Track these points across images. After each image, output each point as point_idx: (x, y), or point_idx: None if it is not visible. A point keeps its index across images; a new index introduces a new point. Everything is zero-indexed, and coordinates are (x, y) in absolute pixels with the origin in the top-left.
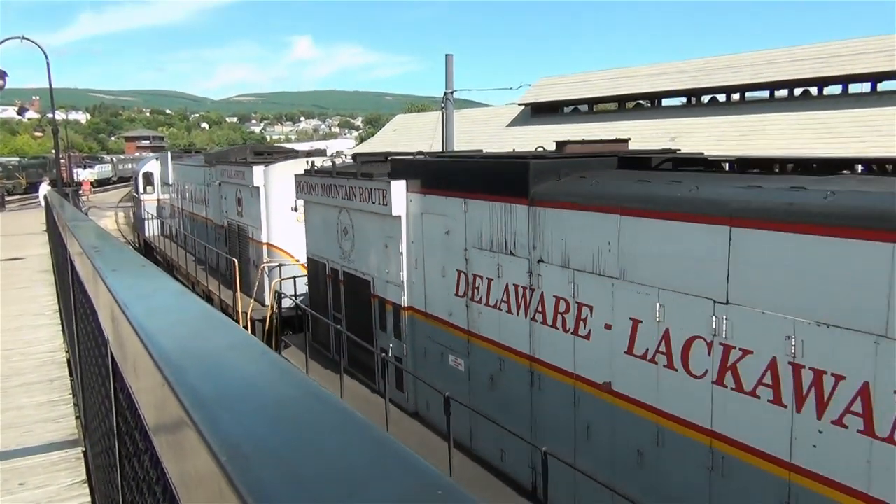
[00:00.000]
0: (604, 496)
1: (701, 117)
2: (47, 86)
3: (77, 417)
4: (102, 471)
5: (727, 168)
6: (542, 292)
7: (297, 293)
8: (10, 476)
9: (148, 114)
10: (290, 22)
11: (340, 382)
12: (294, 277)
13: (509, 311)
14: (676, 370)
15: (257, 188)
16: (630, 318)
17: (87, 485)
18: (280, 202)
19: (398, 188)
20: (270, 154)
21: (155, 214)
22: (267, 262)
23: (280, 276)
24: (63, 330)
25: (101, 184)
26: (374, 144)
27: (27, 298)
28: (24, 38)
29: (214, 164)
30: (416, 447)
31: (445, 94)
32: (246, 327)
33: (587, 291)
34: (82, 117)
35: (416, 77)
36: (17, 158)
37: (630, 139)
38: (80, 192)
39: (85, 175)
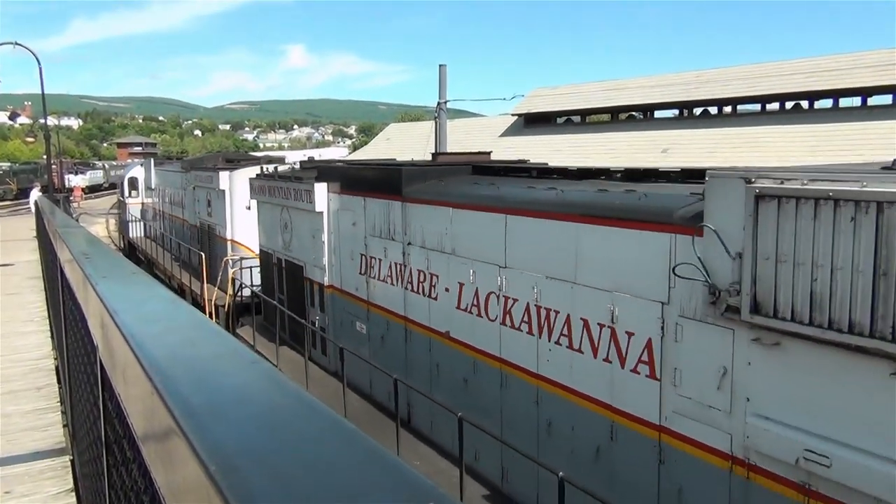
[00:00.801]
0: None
1: (693, 129)
2: (40, 91)
3: (65, 426)
4: (90, 480)
5: (552, 175)
6: (411, 267)
7: (254, 282)
8: None
9: (140, 120)
10: (284, 30)
11: (276, 351)
12: (251, 268)
13: (392, 284)
14: (482, 317)
15: (223, 191)
16: (458, 282)
17: (73, 494)
18: (242, 203)
19: (321, 189)
20: (239, 161)
21: (139, 217)
22: (230, 256)
23: (240, 267)
24: (52, 337)
25: (92, 190)
26: (367, 153)
27: (16, 305)
28: (17, 43)
29: (189, 170)
30: (331, 398)
31: (439, 103)
32: (211, 313)
33: (435, 265)
34: (74, 123)
35: (410, 86)
36: (8, 164)
37: (491, 152)
38: (72, 198)
39: (76, 181)
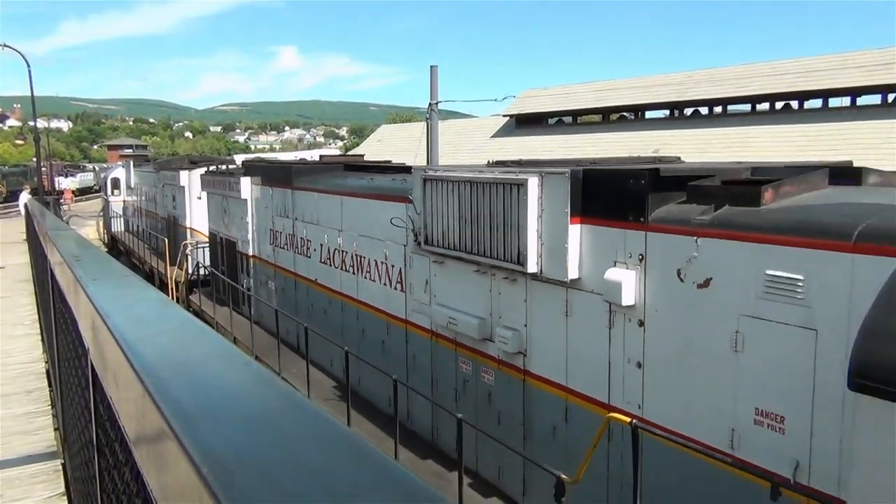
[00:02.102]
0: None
1: (684, 130)
2: (29, 93)
3: (56, 429)
4: (81, 483)
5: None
6: (297, 236)
7: (206, 260)
8: None
9: (131, 123)
10: (276, 32)
11: (214, 308)
12: (203, 248)
13: (287, 250)
14: (331, 266)
15: (183, 187)
16: (320, 244)
17: (65, 497)
18: (196, 196)
19: (245, 182)
20: (199, 163)
21: (120, 213)
22: (189, 241)
23: (193, 248)
24: (42, 340)
25: (82, 192)
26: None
27: (6, 308)
28: (5, 45)
29: (159, 171)
30: (246, 336)
31: (430, 104)
32: (172, 289)
33: (308, 233)
34: (64, 125)
35: (402, 88)
36: None
37: (364, 155)
38: (62, 200)
39: (66, 184)
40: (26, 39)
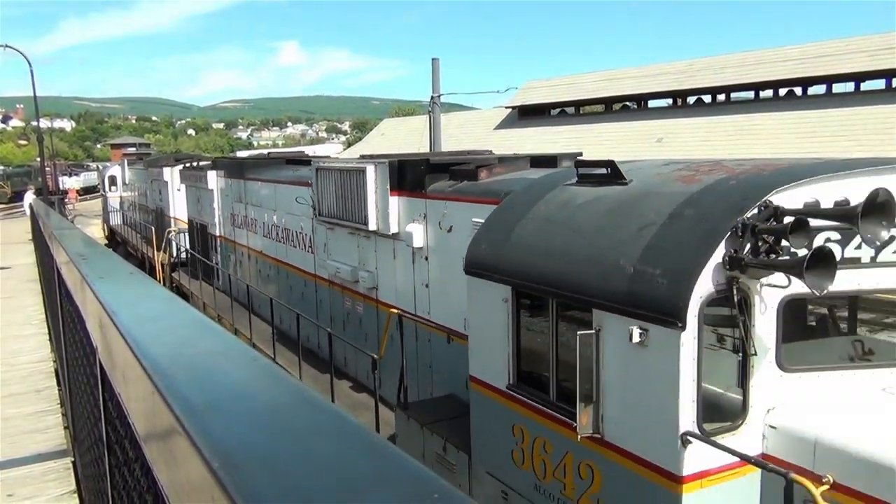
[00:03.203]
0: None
1: (687, 118)
2: (31, 94)
3: (65, 427)
4: (92, 481)
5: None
6: (248, 217)
7: (186, 244)
8: None
9: (134, 121)
10: (276, 27)
11: (189, 283)
12: (183, 234)
13: (241, 228)
14: (270, 239)
15: (167, 182)
16: (263, 222)
17: (76, 495)
18: (176, 189)
19: (212, 175)
20: (182, 160)
21: (117, 208)
22: (171, 228)
23: (175, 234)
24: (50, 339)
25: (86, 192)
26: (362, 149)
27: (13, 308)
28: (6, 46)
29: (148, 168)
30: (212, 301)
31: (432, 97)
32: (158, 270)
33: (255, 214)
34: (67, 125)
35: (404, 81)
36: (2, 167)
37: (303, 152)
38: (66, 200)
39: (70, 183)
40: (28, 39)
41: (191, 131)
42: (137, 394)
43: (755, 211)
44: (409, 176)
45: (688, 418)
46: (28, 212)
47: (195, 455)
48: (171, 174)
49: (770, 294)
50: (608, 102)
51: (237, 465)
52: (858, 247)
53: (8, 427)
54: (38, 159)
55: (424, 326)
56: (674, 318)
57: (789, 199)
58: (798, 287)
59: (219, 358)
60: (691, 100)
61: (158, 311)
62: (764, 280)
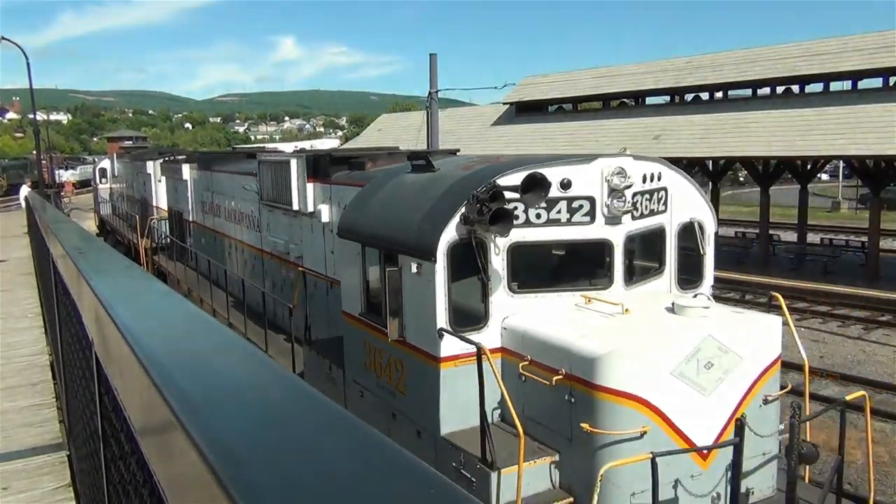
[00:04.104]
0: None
1: (685, 115)
2: (27, 86)
3: (61, 421)
4: (87, 474)
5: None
6: (214, 203)
7: (166, 231)
8: None
9: (130, 114)
10: (274, 21)
11: (165, 264)
12: (164, 221)
13: (209, 213)
14: (230, 221)
15: (150, 174)
16: (224, 207)
17: (71, 489)
18: (158, 180)
19: (186, 167)
20: (165, 154)
21: (107, 199)
22: (153, 216)
23: (156, 221)
24: (46, 333)
25: (82, 185)
26: (359, 144)
27: (9, 301)
28: (3, 38)
29: (134, 161)
30: (184, 278)
31: (430, 93)
32: (141, 254)
33: (218, 200)
34: (64, 118)
35: (401, 77)
36: None
37: (263, 146)
38: (62, 193)
39: (67, 176)
40: (24, 32)
41: (188, 125)
42: (134, 388)
43: (483, 188)
44: (320, 167)
45: (442, 320)
46: (24, 205)
47: (193, 450)
48: (154, 167)
49: (501, 242)
50: (606, 99)
51: (235, 460)
52: (559, 211)
53: (3, 420)
54: (35, 152)
55: (329, 282)
56: (431, 256)
57: (511, 180)
58: (517, 237)
59: (216, 353)
60: (689, 97)
61: (155, 306)
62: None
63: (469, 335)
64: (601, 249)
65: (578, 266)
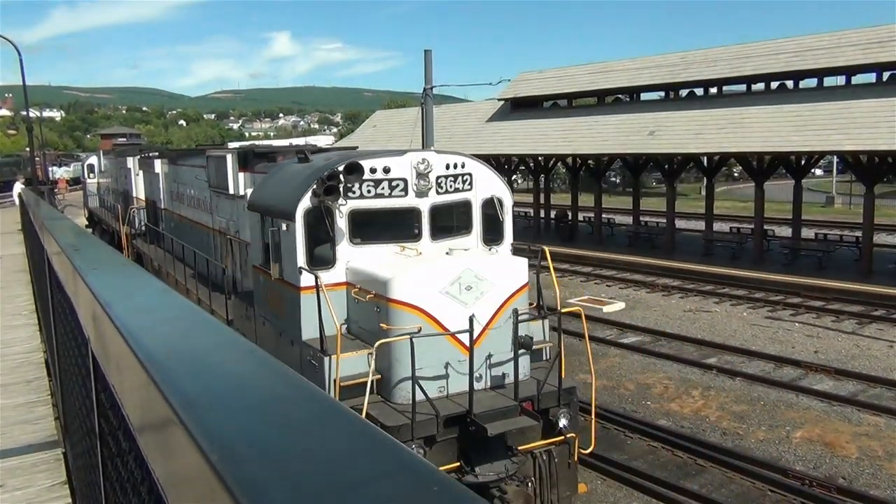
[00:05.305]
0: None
1: (679, 111)
2: (20, 83)
3: (56, 418)
4: (84, 472)
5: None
6: (179, 192)
7: (144, 219)
8: None
9: (124, 111)
10: (268, 17)
11: (142, 247)
12: (143, 210)
13: (177, 201)
14: (193, 208)
15: (130, 169)
16: (185, 195)
17: (67, 486)
18: (135, 174)
19: (158, 162)
20: (145, 151)
21: (95, 192)
22: (133, 206)
23: (136, 210)
24: (40, 330)
25: (76, 182)
26: (354, 141)
27: (3, 299)
28: None
29: (117, 157)
30: (158, 258)
31: (425, 89)
32: (121, 240)
33: (181, 189)
34: (57, 115)
35: (396, 73)
36: None
37: (226, 142)
38: (56, 190)
39: (60, 173)
40: (17, 28)
41: (182, 122)
42: (132, 385)
43: (326, 172)
44: (247, 160)
45: (301, 262)
46: (17, 202)
47: (193, 447)
48: (134, 162)
49: (343, 208)
50: (601, 95)
51: (236, 457)
52: (383, 188)
53: None
54: (28, 149)
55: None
56: (291, 219)
57: (341, 167)
58: (354, 206)
59: (215, 350)
60: (684, 92)
61: (152, 303)
62: (340, 201)
63: (322, 273)
64: (413, 214)
65: (398, 226)
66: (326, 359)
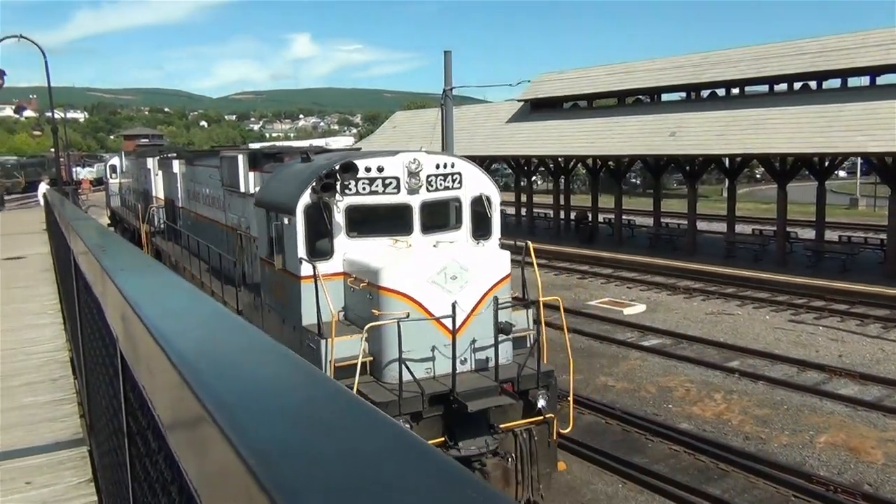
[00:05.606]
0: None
1: (701, 112)
2: (45, 84)
3: (81, 416)
4: (110, 470)
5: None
6: (195, 191)
7: (163, 217)
8: (16, 475)
9: (147, 112)
10: (289, 19)
11: (161, 244)
12: (161, 209)
13: (194, 200)
14: (209, 206)
15: (149, 169)
16: (201, 193)
17: (93, 484)
18: (155, 174)
19: (176, 162)
20: (164, 152)
21: (117, 192)
22: (153, 205)
23: (156, 209)
24: (65, 329)
25: (99, 182)
26: (374, 142)
27: (28, 298)
28: (21, 36)
29: (138, 158)
30: (176, 254)
31: (444, 90)
32: (142, 238)
33: (197, 188)
34: (80, 116)
35: (416, 74)
36: (16, 158)
37: (238, 143)
38: (80, 190)
39: (84, 174)
40: (41, 30)
41: (203, 123)
42: (163, 386)
43: (324, 171)
44: (257, 160)
45: (302, 251)
46: (42, 201)
47: (228, 448)
48: (153, 163)
49: (341, 204)
50: (621, 96)
51: (272, 459)
52: (377, 186)
53: (26, 415)
54: (52, 150)
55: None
56: (292, 213)
57: (338, 166)
58: (351, 202)
59: (245, 352)
60: (705, 93)
61: (181, 305)
62: (338, 198)
63: (321, 264)
64: (405, 210)
65: (391, 221)
66: (323, 342)
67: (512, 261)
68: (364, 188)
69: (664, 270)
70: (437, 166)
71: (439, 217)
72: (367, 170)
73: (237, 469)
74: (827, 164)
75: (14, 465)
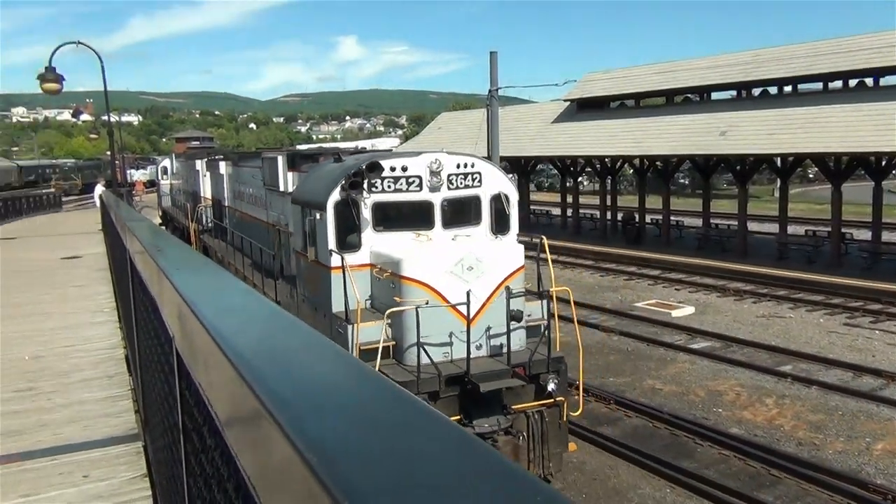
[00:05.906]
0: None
1: (752, 111)
2: (100, 89)
3: (136, 412)
4: (165, 466)
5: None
6: (240, 190)
7: (210, 216)
8: (74, 469)
9: (197, 115)
10: (336, 22)
11: (209, 241)
12: (209, 208)
13: (239, 199)
14: (250, 203)
15: (198, 171)
16: (246, 193)
17: (147, 479)
18: (203, 175)
19: (222, 164)
20: (212, 154)
21: (168, 192)
22: (201, 205)
23: (203, 208)
24: (120, 327)
25: (152, 184)
26: (421, 142)
27: (85, 296)
28: (79, 43)
29: (187, 160)
30: (221, 250)
31: (490, 91)
32: (190, 235)
33: (242, 188)
34: (134, 119)
35: (461, 75)
36: (73, 160)
37: (264, 147)
38: (133, 192)
39: (137, 176)
40: (97, 36)
41: (252, 125)
42: (220, 383)
43: (353, 170)
44: (295, 160)
45: (332, 243)
46: (98, 203)
47: (287, 446)
48: (202, 164)
49: (368, 201)
50: (669, 95)
51: (332, 457)
52: (402, 184)
53: (83, 411)
54: (108, 153)
55: None
56: (324, 209)
57: (364, 166)
58: (377, 199)
59: (301, 350)
60: (756, 91)
61: (237, 304)
62: (365, 195)
63: (349, 255)
64: (427, 207)
65: (414, 216)
66: (350, 326)
67: (529, 256)
68: (389, 186)
69: (713, 272)
70: (458, 166)
71: (460, 213)
72: (392, 169)
73: (297, 466)
74: (884, 163)
75: (71, 459)
